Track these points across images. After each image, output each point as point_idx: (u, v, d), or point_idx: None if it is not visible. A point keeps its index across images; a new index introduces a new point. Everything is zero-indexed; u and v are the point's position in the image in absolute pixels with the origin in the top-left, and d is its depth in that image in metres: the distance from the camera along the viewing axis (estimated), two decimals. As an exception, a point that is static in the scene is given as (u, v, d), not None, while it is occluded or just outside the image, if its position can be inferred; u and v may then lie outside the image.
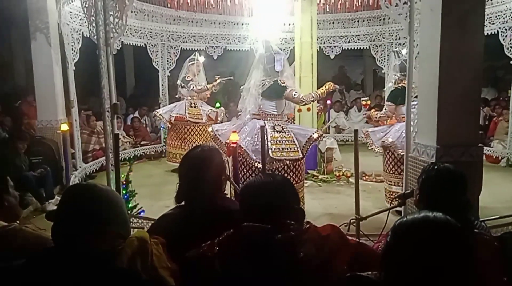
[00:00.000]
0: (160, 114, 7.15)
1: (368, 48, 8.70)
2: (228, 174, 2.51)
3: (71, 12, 5.79)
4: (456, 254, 1.12)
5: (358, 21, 8.44)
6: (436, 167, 2.03)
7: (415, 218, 1.19)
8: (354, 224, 3.14)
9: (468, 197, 1.98)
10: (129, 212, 4.11)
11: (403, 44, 6.26)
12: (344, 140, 8.98)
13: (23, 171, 5.20)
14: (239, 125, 4.55)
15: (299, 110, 6.26)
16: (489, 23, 6.43)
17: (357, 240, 2.56)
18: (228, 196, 2.33)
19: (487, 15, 6.26)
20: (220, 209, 1.79)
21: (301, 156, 4.30)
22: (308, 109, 6.31)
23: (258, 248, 1.37)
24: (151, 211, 4.30)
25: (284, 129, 4.41)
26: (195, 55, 7.12)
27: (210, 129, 4.62)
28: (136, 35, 7.60)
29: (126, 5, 3.95)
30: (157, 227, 1.81)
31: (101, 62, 4.02)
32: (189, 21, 8.16)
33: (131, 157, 7.65)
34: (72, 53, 5.92)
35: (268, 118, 4.44)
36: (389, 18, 8.05)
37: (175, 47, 8.23)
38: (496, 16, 6.50)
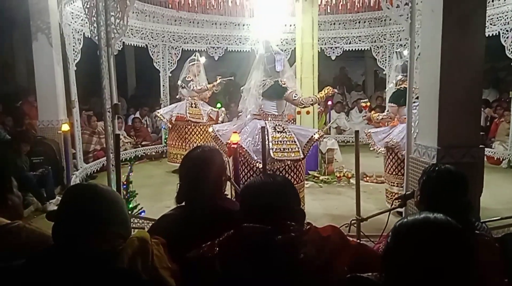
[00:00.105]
0: (160, 114, 7.16)
1: (369, 49, 8.70)
2: (229, 174, 2.51)
3: (72, 13, 5.80)
4: (457, 256, 1.12)
5: (359, 22, 8.44)
6: (437, 168, 2.02)
7: (415, 219, 1.19)
8: (355, 225, 3.14)
9: (469, 198, 1.98)
10: (129, 212, 4.12)
11: (405, 45, 6.25)
12: (345, 141, 8.98)
13: (24, 171, 5.20)
14: (240, 125, 4.55)
15: (298, 112, 6.26)
16: (491, 24, 6.42)
17: (358, 241, 2.56)
18: (229, 196, 2.34)
19: (488, 16, 6.25)
20: (221, 209, 1.79)
21: (302, 156, 4.30)
22: (308, 113, 6.31)
23: (258, 249, 1.37)
24: (151, 212, 4.31)
25: (285, 130, 4.41)
26: (195, 56, 7.12)
27: (210, 130, 4.62)
28: (137, 35, 7.61)
29: (127, 5, 3.96)
30: (158, 228, 1.81)
31: (102, 63, 4.02)
32: (190, 22, 8.17)
33: (132, 157, 7.65)
34: (74, 54, 5.93)
35: (269, 118, 4.44)
36: (390, 19, 8.05)
37: (176, 48, 8.24)
38: (497, 18, 6.49)
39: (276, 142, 4.27)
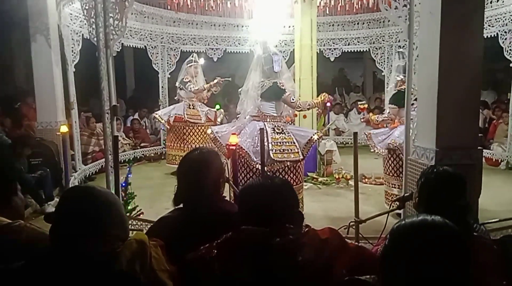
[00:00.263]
0: (159, 116, 7.16)
1: (368, 50, 8.71)
2: (228, 176, 2.51)
3: (71, 14, 5.80)
4: (455, 258, 1.12)
5: (358, 24, 8.46)
6: (435, 170, 2.02)
7: (413, 221, 1.19)
8: (353, 227, 3.13)
9: (467, 200, 1.97)
10: (128, 214, 4.11)
11: (403, 46, 6.26)
12: (344, 143, 8.99)
13: (22, 173, 5.19)
14: (239, 127, 4.54)
15: (295, 115, 6.26)
16: (489, 25, 6.43)
17: (356, 243, 2.55)
18: (227, 198, 2.33)
19: (487, 17, 6.27)
20: (219, 211, 1.79)
21: (301, 157, 4.31)
22: (304, 117, 6.32)
23: (256, 251, 1.37)
24: (150, 214, 4.30)
25: (284, 131, 4.42)
26: (193, 57, 7.11)
27: (209, 131, 4.61)
28: (136, 37, 7.61)
29: (126, 7, 3.95)
30: (156, 230, 1.81)
31: (101, 64, 4.02)
32: (189, 23, 8.18)
33: (131, 159, 7.65)
34: (72, 55, 5.93)
35: (268, 120, 4.45)
36: (388, 21, 8.07)
37: (175, 49, 8.24)
38: (495, 19, 6.50)
39: (276, 143, 4.27)
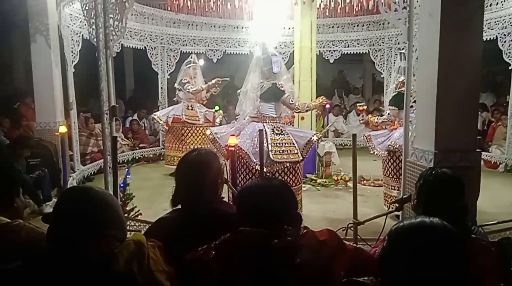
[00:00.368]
0: (158, 117, 7.15)
1: (367, 52, 8.72)
2: (226, 177, 2.51)
3: (71, 15, 5.80)
4: (453, 260, 1.12)
5: (357, 26, 8.48)
6: (434, 172, 2.02)
7: (411, 223, 1.19)
8: (352, 228, 3.13)
9: (466, 202, 1.97)
10: (126, 215, 4.10)
11: (403, 48, 6.27)
12: (343, 144, 8.98)
13: (21, 173, 5.18)
14: (238, 128, 4.54)
15: (293, 117, 6.26)
16: (488, 28, 6.45)
17: (355, 245, 2.55)
18: (226, 199, 2.33)
19: (486, 20, 6.28)
20: (217, 212, 1.78)
21: (301, 158, 4.31)
22: (302, 118, 6.32)
23: (255, 253, 1.37)
24: (148, 214, 4.29)
25: (283, 132, 4.42)
26: (191, 58, 7.11)
27: (208, 132, 4.61)
28: (136, 37, 7.62)
29: (126, 7, 3.95)
30: (154, 230, 1.80)
31: (100, 65, 4.02)
32: (189, 24, 8.19)
33: (130, 159, 7.65)
34: (72, 55, 5.93)
35: (267, 121, 4.45)
36: (388, 23, 8.08)
37: (174, 50, 8.25)
38: (495, 22, 6.52)
39: (275, 144, 4.27)
